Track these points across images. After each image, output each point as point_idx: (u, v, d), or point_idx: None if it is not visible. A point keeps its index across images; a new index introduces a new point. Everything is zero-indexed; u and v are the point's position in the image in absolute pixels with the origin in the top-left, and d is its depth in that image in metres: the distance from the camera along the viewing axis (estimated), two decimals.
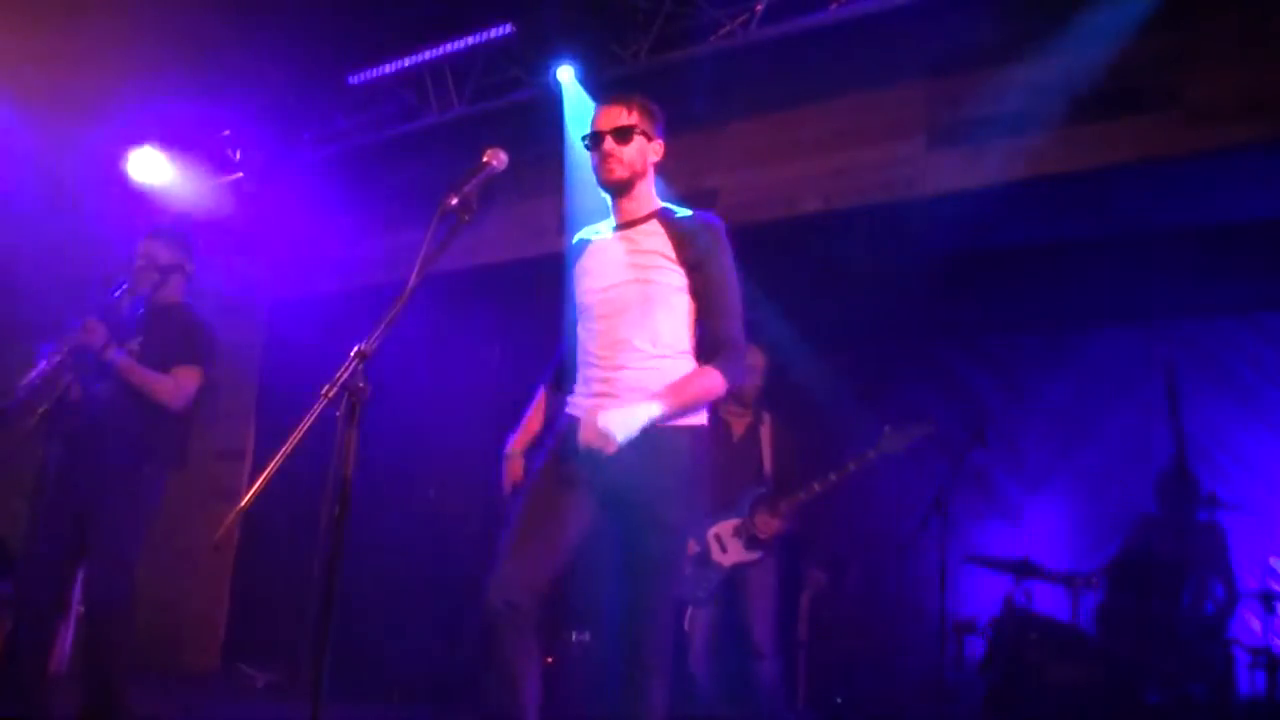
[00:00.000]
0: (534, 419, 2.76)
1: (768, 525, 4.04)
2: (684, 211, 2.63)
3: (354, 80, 5.84)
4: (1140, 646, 3.93)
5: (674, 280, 2.51)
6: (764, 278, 5.07)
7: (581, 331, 2.60)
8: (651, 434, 2.36)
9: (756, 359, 4.21)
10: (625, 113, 2.59)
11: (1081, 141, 4.30)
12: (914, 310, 5.25)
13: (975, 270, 4.97)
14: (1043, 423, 5.38)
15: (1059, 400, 5.36)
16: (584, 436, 2.37)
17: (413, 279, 2.17)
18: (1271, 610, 3.96)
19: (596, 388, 2.51)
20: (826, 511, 4.30)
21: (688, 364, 2.51)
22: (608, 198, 2.64)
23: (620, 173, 2.57)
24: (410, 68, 5.70)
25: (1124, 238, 4.77)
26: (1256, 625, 4.05)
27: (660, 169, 2.73)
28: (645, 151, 2.61)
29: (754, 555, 4.05)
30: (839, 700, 4.98)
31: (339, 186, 6.46)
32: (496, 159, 2.45)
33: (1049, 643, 4.01)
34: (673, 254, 2.52)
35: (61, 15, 4.91)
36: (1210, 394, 4.84)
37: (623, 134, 2.57)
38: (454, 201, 2.27)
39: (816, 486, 4.03)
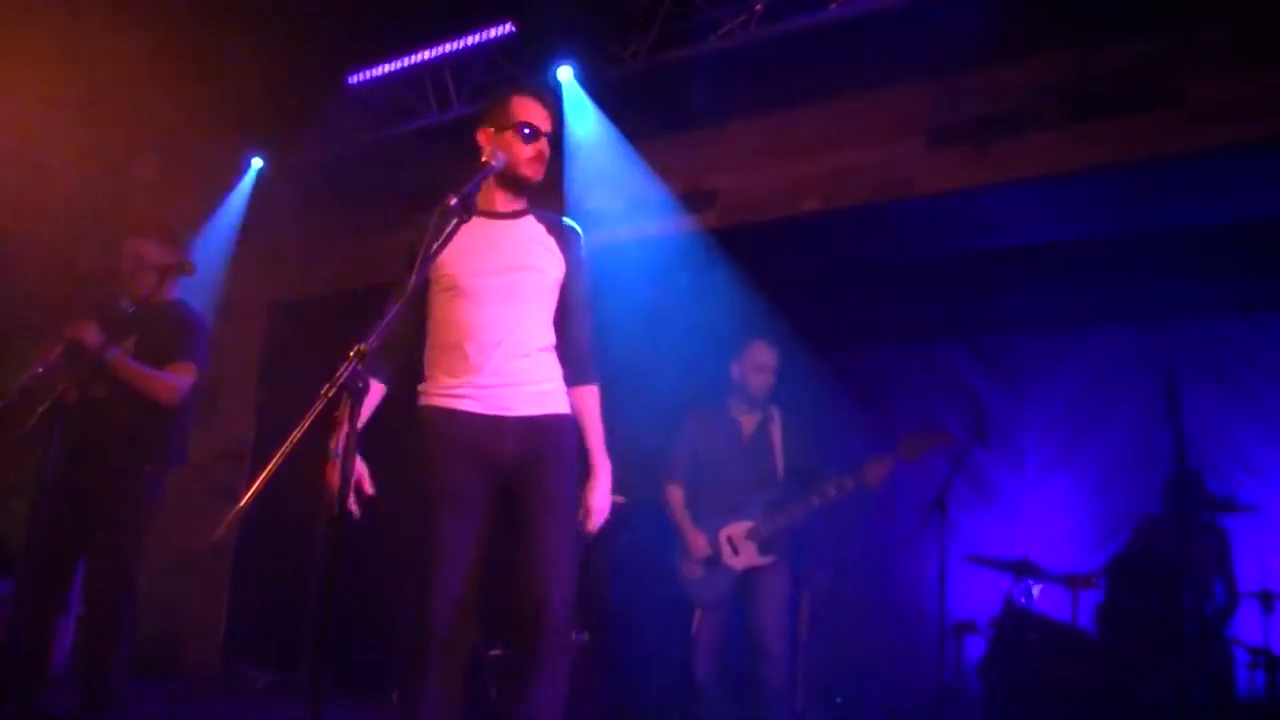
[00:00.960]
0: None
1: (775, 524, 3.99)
2: (553, 215, 2.71)
3: (354, 80, 5.83)
4: (1140, 646, 3.93)
5: (556, 277, 2.61)
6: (764, 278, 5.09)
7: (455, 316, 2.54)
8: (544, 422, 2.52)
9: (768, 357, 4.16)
10: (552, 118, 2.66)
11: (1081, 141, 4.30)
12: (914, 310, 5.25)
13: (975, 270, 4.97)
14: (1043, 423, 5.37)
15: (1059, 400, 5.36)
16: (595, 523, 2.59)
17: (413, 278, 2.17)
18: (1271, 610, 3.95)
19: (486, 378, 2.50)
20: (827, 512, 4.28)
21: (554, 359, 2.62)
22: (500, 186, 2.61)
23: (541, 176, 2.64)
24: (410, 68, 5.70)
25: (1124, 238, 4.76)
26: (1256, 625, 4.04)
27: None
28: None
29: (767, 559, 3.98)
30: (839, 700, 4.98)
31: (338, 186, 6.46)
32: (496, 159, 2.45)
33: (1049, 643, 4.00)
34: (556, 251, 2.61)
35: (61, 14, 4.91)
36: (1210, 394, 4.84)
37: (552, 140, 2.65)
38: (454, 201, 2.27)
39: (833, 491, 3.94)
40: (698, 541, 4.03)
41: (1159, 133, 4.16)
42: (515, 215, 2.64)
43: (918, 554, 5.03)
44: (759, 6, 4.76)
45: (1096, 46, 4.22)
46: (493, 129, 2.60)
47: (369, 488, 2.52)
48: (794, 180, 5.09)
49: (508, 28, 5.25)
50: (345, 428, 2.05)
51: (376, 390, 2.63)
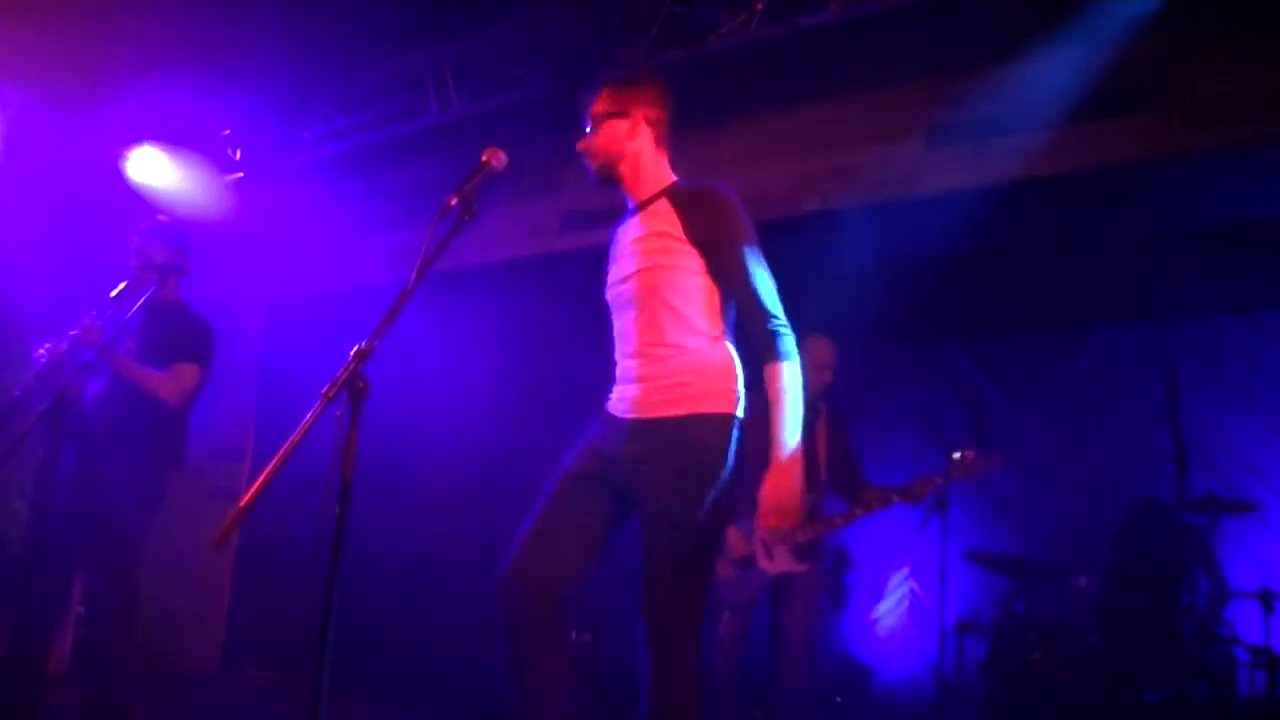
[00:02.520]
0: None
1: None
2: (690, 184, 2.54)
3: (354, 80, 5.84)
4: (1140, 646, 3.93)
5: (685, 262, 2.39)
6: None
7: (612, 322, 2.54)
8: (656, 427, 2.32)
9: (829, 354, 4.06)
10: (594, 103, 2.56)
11: (1081, 141, 4.30)
12: (914, 310, 5.24)
13: (975, 270, 4.97)
14: (1043, 423, 5.37)
15: (1059, 400, 5.36)
16: (764, 523, 2.26)
17: (412, 279, 2.17)
18: (1271, 610, 3.95)
19: (620, 382, 2.46)
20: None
21: (710, 351, 2.38)
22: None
23: (595, 162, 2.54)
24: (410, 68, 5.70)
25: (1124, 238, 4.77)
26: (1257, 625, 4.04)
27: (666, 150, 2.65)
28: (619, 132, 2.52)
29: (802, 566, 3.89)
30: (839, 700, 4.97)
31: (339, 186, 6.46)
32: (496, 159, 2.44)
33: (1049, 643, 4.00)
34: (681, 234, 2.39)
35: (62, 14, 4.91)
36: (1210, 394, 4.84)
37: (591, 125, 2.55)
38: (454, 201, 2.27)
39: (877, 505, 3.83)
40: (736, 542, 3.94)
41: (1158, 132, 4.16)
42: (645, 205, 2.51)
43: (918, 554, 5.03)
44: (759, 6, 4.76)
45: (1096, 46, 4.22)
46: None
47: None
48: (794, 180, 5.09)
49: (508, 28, 5.25)
50: (350, 429, 2.04)
51: None
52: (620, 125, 2.53)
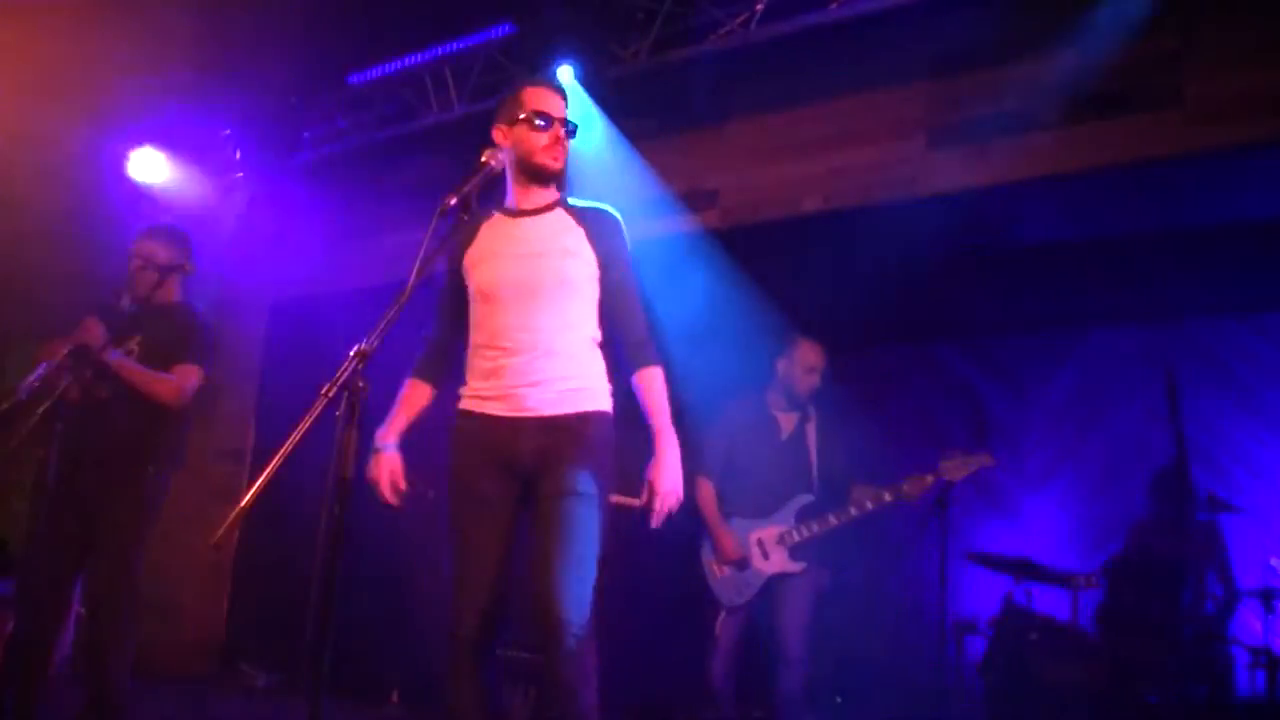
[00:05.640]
0: (405, 410, 2.66)
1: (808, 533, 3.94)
2: (583, 201, 2.62)
3: (354, 80, 5.84)
4: (1140, 646, 3.93)
5: (586, 269, 2.51)
6: (764, 278, 5.09)
7: (483, 319, 2.53)
8: (565, 422, 2.43)
9: (819, 358, 4.09)
10: (565, 105, 2.59)
11: (1081, 141, 4.30)
12: (914, 310, 5.24)
13: (975, 270, 4.97)
14: (1043, 423, 5.37)
15: (1059, 400, 5.36)
16: (658, 508, 2.42)
17: (412, 279, 2.17)
18: (1271, 610, 3.95)
19: (509, 380, 2.47)
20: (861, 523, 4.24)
21: (597, 355, 2.53)
22: (521, 181, 2.58)
23: (562, 163, 2.56)
24: (410, 68, 5.70)
25: (1124, 238, 4.76)
26: (1257, 625, 4.04)
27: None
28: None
29: (798, 566, 3.93)
30: (839, 700, 4.97)
31: (339, 187, 6.46)
32: (495, 159, 2.45)
33: (1049, 643, 4.00)
34: (584, 242, 2.52)
35: (63, 15, 4.91)
36: (1210, 394, 4.83)
37: (569, 126, 2.57)
38: (453, 201, 2.27)
39: (870, 505, 3.90)
40: (730, 544, 3.96)
41: (1159, 133, 4.16)
42: (540, 210, 2.57)
43: (918, 554, 5.02)
44: (759, 6, 4.77)
45: (1096, 46, 4.22)
46: (506, 124, 2.56)
47: (402, 484, 2.57)
48: (794, 180, 5.09)
49: (508, 28, 5.26)
50: (350, 429, 2.04)
51: (425, 392, 2.67)
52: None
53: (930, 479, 3.89)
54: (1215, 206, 4.51)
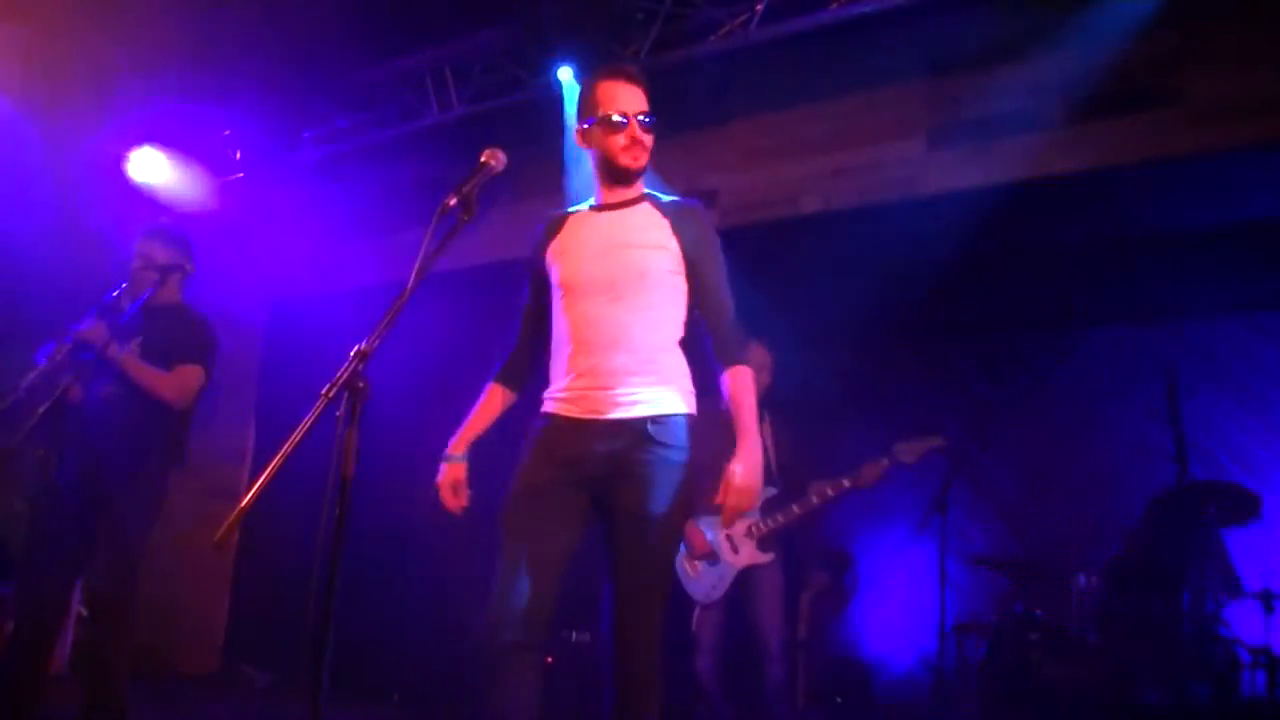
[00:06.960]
0: (479, 417, 2.62)
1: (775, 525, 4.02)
2: (669, 197, 2.56)
3: (354, 80, 5.84)
4: (1140, 646, 3.93)
5: (669, 262, 2.44)
6: (764, 278, 5.07)
7: (563, 312, 2.47)
8: (636, 426, 2.33)
9: (764, 357, 4.16)
10: (644, 97, 2.49)
11: (1081, 141, 4.30)
12: (914, 310, 5.25)
13: (975, 270, 4.97)
14: (1043, 423, 5.37)
15: (1059, 400, 5.36)
16: (733, 504, 2.35)
17: (412, 279, 2.17)
18: (1271, 610, 3.95)
19: (583, 381, 2.39)
20: (827, 512, 4.28)
21: (677, 353, 2.44)
22: (606, 181, 2.52)
23: (644, 160, 2.48)
24: (410, 68, 5.70)
25: (1124, 238, 4.76)
26: (1257, 625, 4.04)
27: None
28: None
29: (766, 557, 4.01)
30: (839, 700, 4.98)
31: (339, 186, 6.46)
32: (495, 159, 2.44)
33: (1049, 643, 4.01)
34: (669, 235, 2.45)
35: (63, 15, 4.91)
36: (1210, 394, 4.84)
37: (648, 120, 2.47)
38: (453, 202, 2.26)
39: (830, 492, 3.98)
40: (699, 539, 4.04)
41: (1159, 133, 4.16)
42: (622, 205, 2.49)
43: (918, 554, 5.02)
44: (759, 6, 4.77)
45: (1096, 46, 4.22)
46: (584, 126, 2.49)
47: (466, 494, 2.57)
48: (794, 180, 5.09)
49: (508, 28, 5.26)
50: (350, 430, 2.03)
51: (503, 399, 2.63)
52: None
53: (886, 463, 3.98)
54: (1215, 206, 4.51)
